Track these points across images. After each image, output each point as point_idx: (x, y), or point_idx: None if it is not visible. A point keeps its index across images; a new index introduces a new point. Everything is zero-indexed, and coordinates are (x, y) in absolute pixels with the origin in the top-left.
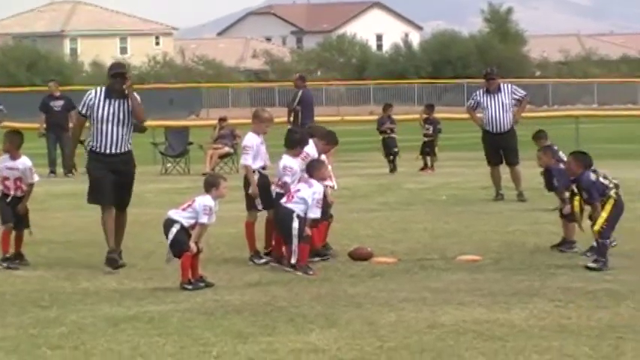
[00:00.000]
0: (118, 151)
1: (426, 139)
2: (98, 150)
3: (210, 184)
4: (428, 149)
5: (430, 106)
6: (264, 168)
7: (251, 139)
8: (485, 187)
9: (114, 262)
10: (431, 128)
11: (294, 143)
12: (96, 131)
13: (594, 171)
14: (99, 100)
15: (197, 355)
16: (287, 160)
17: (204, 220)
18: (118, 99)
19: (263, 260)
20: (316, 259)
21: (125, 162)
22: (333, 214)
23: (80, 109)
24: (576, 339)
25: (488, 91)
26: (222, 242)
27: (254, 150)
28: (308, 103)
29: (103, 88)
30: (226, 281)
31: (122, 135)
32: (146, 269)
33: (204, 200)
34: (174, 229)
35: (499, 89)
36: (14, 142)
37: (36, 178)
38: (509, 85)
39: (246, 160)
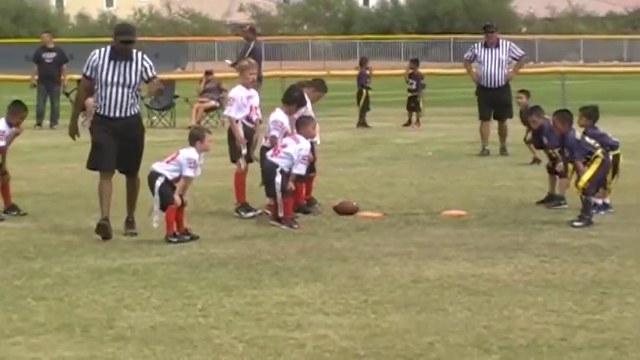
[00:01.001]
0: (123, 114)
1: (410, 94)
2: (102, 113)
3: (195, 137)
4: (413, 104)
5: (415, 60)
6: (248, 119)
7: (236, 91)
8: (472, 143)
9: (105, 229)
10: (414, 83)
11: (291, 100)
12: (100, 94)
13: (594, 128)
14: (103, 62)
15: (182, 308)
16: (278, 115)
17: (188, 173)
18: (123, 61)
19: (250, 214)
20: (299, 214)
21: (131, 126)
22: (317, 169)
23: (85, 71)
24: (561, 294)
25: (486, 45)
26: (207, 195)
27: (238, 102)
28: (259, 55)
29: (108, 49)
30: (211, 234)
31: (127, 98)
32: None
33: (189, 153)
34: (158, 182)
35: (497, 44)
36: (21, 114)
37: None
38: (508, 42)
39: (230, 111)
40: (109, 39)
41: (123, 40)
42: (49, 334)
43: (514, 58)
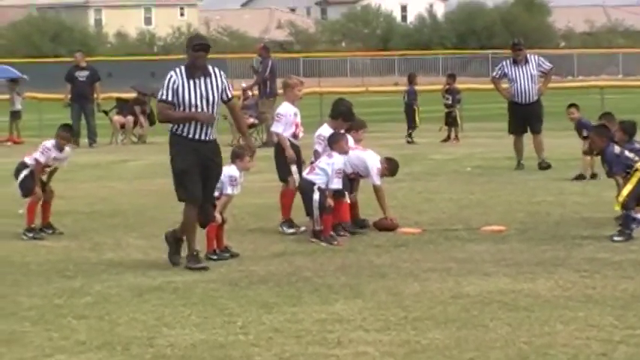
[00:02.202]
0: (208, 137)
1: (446, 109)
2: (187, 135)
3: (236, 156)
4: (450, 120)
5: (451, 75)
6: (294, 137)
7: (285, 108)
8: (510, 158)
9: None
10: (450, 98)
11: (337, 114)
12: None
13: (631, 143)
14: (182, 81)
15: (222, 326)
16: (323, 129)
17: (229, 190)
18: (201, 77)
19: (292, 230)
20: (342, 233)
21: (216, 150)
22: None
23: (163, 96)
24: (601, 309)
25: (515, 62)
26: (246, 213)
27: (287, 118)
28: (275, 72)
29: (183, 68)
30: (251, 251)
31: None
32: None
33: (230, 170)
34: None
35: (526, 60)
36: (67, 138)
37: (65, 165)
38: (536, 57)
39: (277, 127)
40: (149, 57)
41: (197, 43)
42: (89, 352)
43: (543, 72)
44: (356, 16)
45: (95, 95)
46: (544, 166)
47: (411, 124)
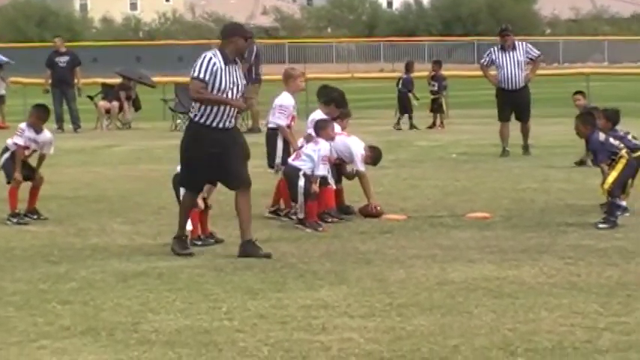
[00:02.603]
0: (231, 125)
1: (432, 96)
2: (211, 124)
3: None
4: (436, 106)
5: (437, 62)
6: (288, 128)
7: (287, 100)
8: (496, 145)
9: (255, 249)
10: (436, 85)
11: (329, 100)
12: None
13: (614, 130)
14: (221, 66)
15: (207, 311)
16: (316, 114)
17: None
18: (234, 65)
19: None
20: (329, 219)
21: (238, 134)
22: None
23: (202, 74)
24: (586, 296)
25: (503, 49)
26: (232, 199)
27: (289, 111)
28: (260, 57)
29: (219, 53)
30: (236, 237)
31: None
32: (156, 225)
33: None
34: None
35: (514, 47)
36: (42, 118)
37: (52, 151)
38: (524, 44)
39: (281, 120)
40: (134, 42)
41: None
42: (74, 337)
43: (531, 59)
44: (341, 2)
45: (76, 80)
46: (526, 153)
47: (404, 112)
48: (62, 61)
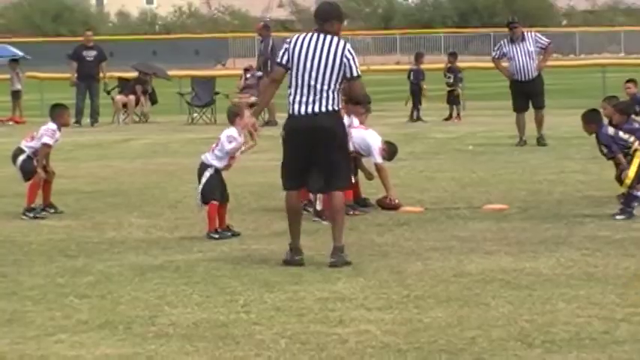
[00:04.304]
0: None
1: (448, 88)
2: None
3: (234, 114)
4: (452, 98)
5: (453, 54)
6: None
7: None
8: (512, 136)
9: (295, 255)
10: (452, 77)
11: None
12: None
13: (629, 123)
14: None
15: (224, 304)
16: None
17: (229, 147)
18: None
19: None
20: (350, 212)
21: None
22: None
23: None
24: (603, 287)
25: (512, 41)
26: (248, 192)
27: None
28: (276, 51)
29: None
30: (252, 230)
31: None
32: (172, 219)
33: (229, 131)
34: (207, 174)
35: (523, 38)
36: (70, 117)
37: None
38: (533, 34)
39: None
40: (151, 36)
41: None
42: (91, 331)
43: (541, 48)
44: None
45: (102, 75)
46: (542, 142)
47: (418, 104)
48: (90, 55)
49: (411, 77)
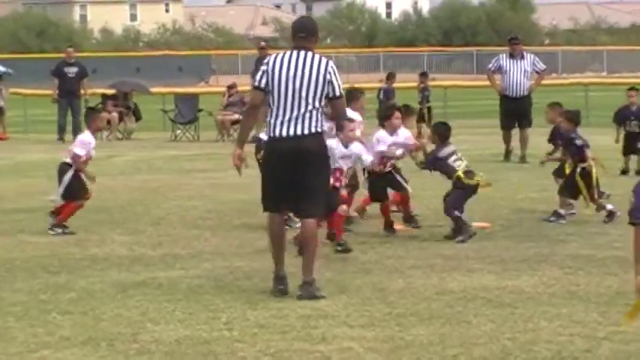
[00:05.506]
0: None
1: (420, 106)
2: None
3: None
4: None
5: (423, 74)
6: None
7: (353, 115)
8: (495, 155)
9: (278, 285)
10: (420, 96)
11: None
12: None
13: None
14: None
15: (206, 321)
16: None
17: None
18: None
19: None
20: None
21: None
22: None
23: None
24: (585, 306)
25: (512, 56)
26: (231, 209)
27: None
28: None
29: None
30: (236, 247)
31: None
32: (155, 235)
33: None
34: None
35: (522, 56)
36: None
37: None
38: (532, 55)
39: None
40: (133, 53)
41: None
42: (74, 348)
43: (536, 72)
44: (341, 12)
45: (83, 91)
46: (524, 161)
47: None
48: (71, 71)
49: (381, 96)
